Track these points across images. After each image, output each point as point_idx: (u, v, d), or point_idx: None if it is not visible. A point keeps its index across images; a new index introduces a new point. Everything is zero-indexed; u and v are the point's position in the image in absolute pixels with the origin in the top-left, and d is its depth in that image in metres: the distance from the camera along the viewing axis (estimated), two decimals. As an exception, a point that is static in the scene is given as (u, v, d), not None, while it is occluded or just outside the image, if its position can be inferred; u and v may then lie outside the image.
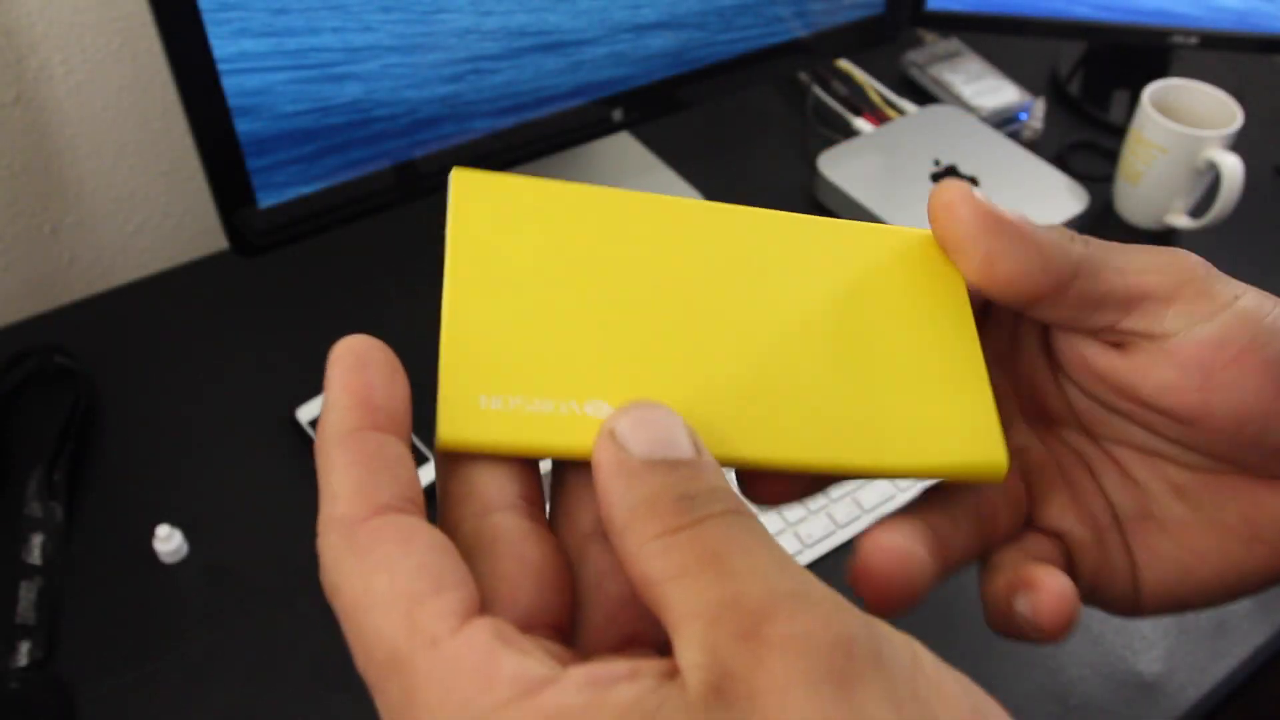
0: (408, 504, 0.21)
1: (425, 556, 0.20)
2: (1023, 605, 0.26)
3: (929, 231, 0.28)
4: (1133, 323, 0.26)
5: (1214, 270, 0.27)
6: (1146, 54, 1.09)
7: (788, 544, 0.69)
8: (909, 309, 0.27)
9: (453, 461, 0.23)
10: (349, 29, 0.66)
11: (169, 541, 0.68)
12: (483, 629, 0.19)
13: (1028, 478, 0.29)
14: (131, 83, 0.86)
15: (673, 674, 0.19)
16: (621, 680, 0.19)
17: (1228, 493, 0.28)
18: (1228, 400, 0.26)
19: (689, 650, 0.19)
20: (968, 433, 0.26)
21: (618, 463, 0.21)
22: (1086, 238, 0.27)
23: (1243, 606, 0.68)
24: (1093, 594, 0.29)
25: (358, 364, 0.22)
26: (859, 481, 0.73)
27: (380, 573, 0.20)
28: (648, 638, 0.23)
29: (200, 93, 0.63)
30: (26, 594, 0.66)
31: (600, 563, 0.23)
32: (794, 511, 0.71)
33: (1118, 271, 0.26)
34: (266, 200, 0.69)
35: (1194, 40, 1.00)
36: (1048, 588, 0.26)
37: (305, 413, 0.76)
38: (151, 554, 0.69)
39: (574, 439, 0.23)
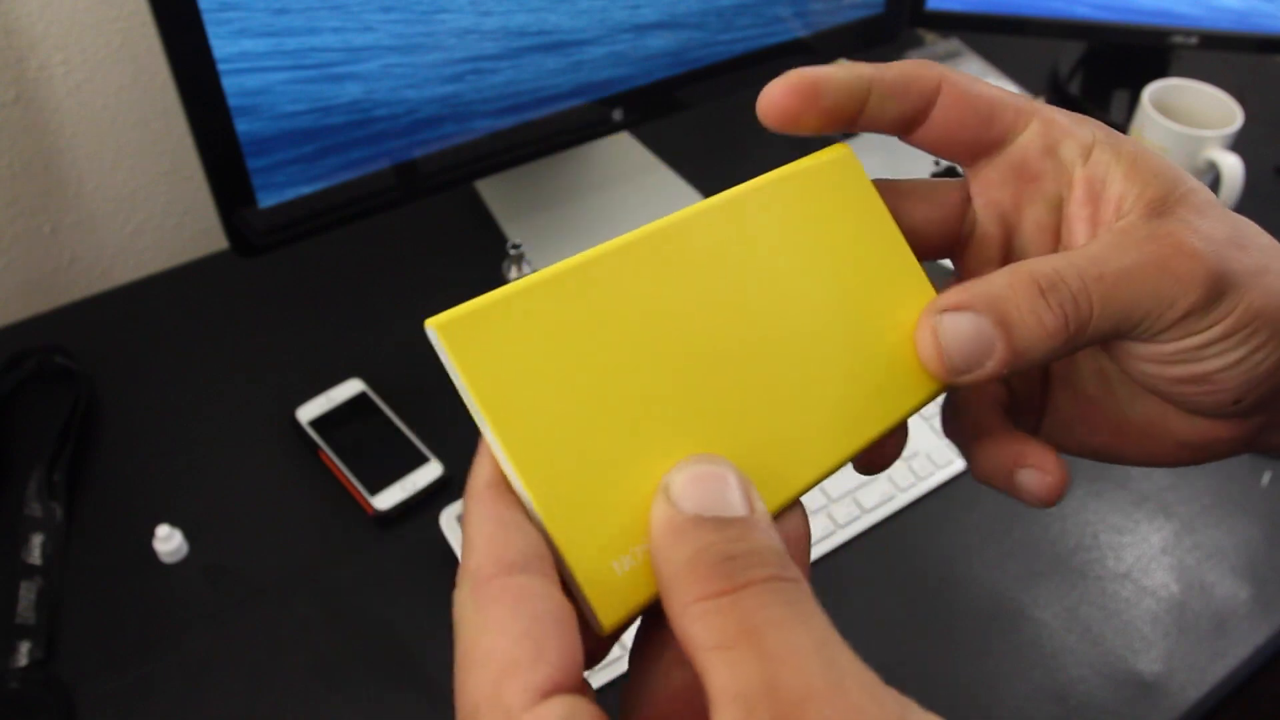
0: (535, 560, 0.22)
1: (533, 624, 0.21)
2: (1029, 480, 0.30)
3: (822, 157, 0.29)
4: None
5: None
6: (1146, 54, 1.09)
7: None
8: (853, 244, 0.29)
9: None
10: (349, 29, 0.66)
11: (169, 541, 0.68)
12: (552, 711, 0.20)
13: None
14: (131, 83, 0.86)
15: None
16: None
17: (1144, 401, 0.30)
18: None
19: None
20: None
21: (667, 520, 0.22)
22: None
23: (1243, 606, 0.68)
24: (1009, 411, 0.32)
25: None
26: (859, 481, 0.73)
27: (489, 632, 0.21)
28: None
29: (200, 93, 0.63)
30: (26, 594, 0.66)
31: (678, 651, 0.23)
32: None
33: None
34: (266, 200, 0.69)
35: (1194, 40, 1.00)
36: (1054, 471, 0.29)
37: (305, 413, 0.76)
38: (151, 554, 0.69)
39: None
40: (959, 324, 0.26)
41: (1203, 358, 0.27)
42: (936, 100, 0.28)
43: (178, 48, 0.61)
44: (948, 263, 0.32)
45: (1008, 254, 0.30)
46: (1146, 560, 0.71)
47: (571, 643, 0.21)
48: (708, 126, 1.04)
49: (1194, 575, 0.70)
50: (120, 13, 0.83)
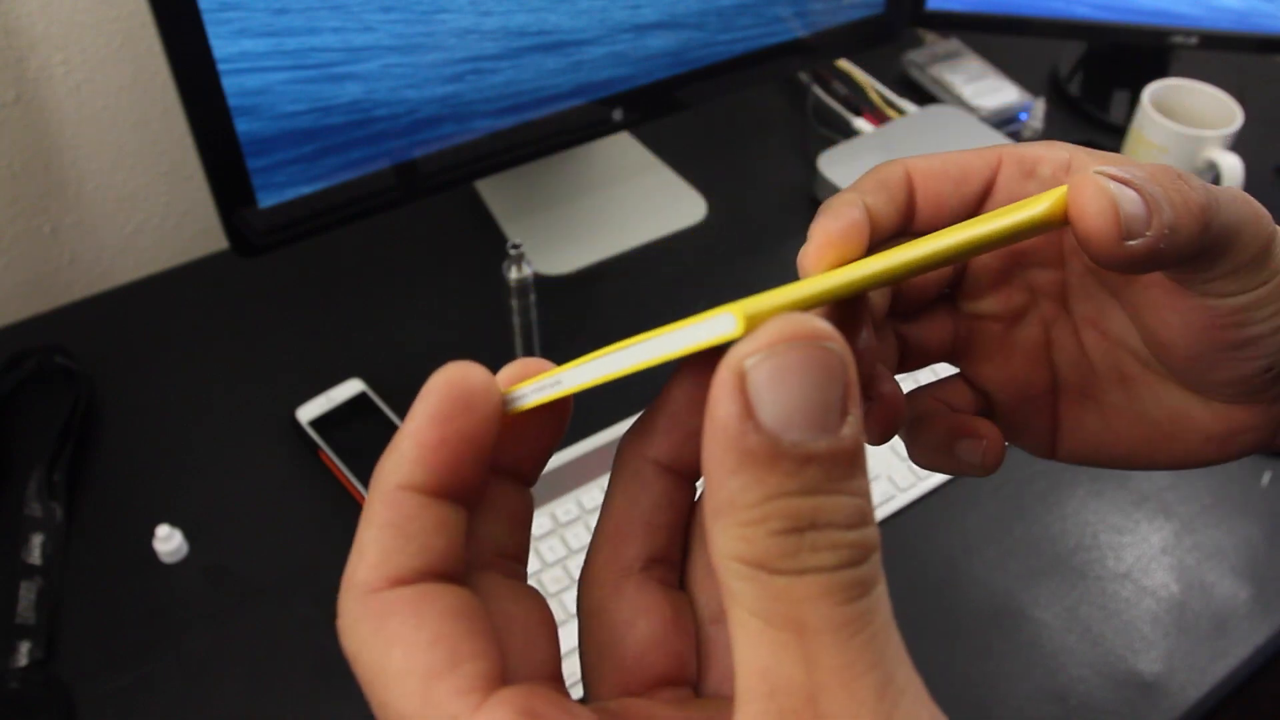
0: (428, 577, 0.20)
1: (440, 627, 0.19)
2: (966, 450, 0.30)
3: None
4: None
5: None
6: (1146, 54, 1.08)
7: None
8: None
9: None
10: (349, 29, 0.66)
11: (169, 541, 0.68)
12: (502, 707, 0.18)
13: (971, 339, 0.32)
14: (131, 83, 0.86)
15: None
16: None
17: (1167, 395, 0.30)
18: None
19: None
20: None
21: (736, 433, 0.17)
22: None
23: (1243, 606, 0.68)
24: (1007, 438, 0.32)
25: (444, 410, 0.20)
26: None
27: (396, 646, 0.19)
28: (682, 677, 0.22)
29: (200, 93, 0.63)
30: (26, 594, 0.66)
31: (636, 600, 0.22)
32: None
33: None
34: (266, 200, 0.69)
35: (1194, 40, 1.00)
36: (992, 437, 0.30)
37: (305, 413, 0.76)
38: (151, 554, 0.69)
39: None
40: (1119, 186, 0.24)
41: (1251, 321, 0.27)
42: (913, 185, 0.29)
43: (178, 48, 0.61)
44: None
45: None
46: (1146, 560, 0.71)
47: (486, 637, 0.19)
48: (708, 126, 1.04)
49: (1194, 575, 0.70)
50: (120, 13, 0.83)
